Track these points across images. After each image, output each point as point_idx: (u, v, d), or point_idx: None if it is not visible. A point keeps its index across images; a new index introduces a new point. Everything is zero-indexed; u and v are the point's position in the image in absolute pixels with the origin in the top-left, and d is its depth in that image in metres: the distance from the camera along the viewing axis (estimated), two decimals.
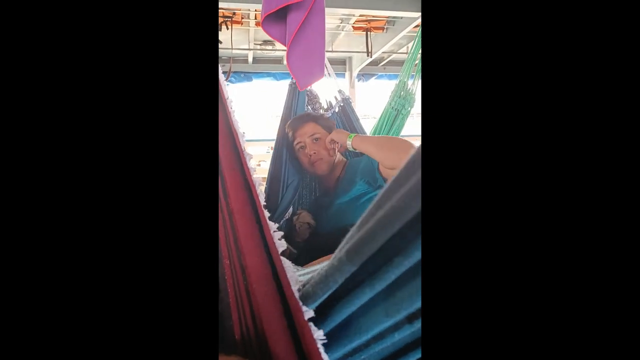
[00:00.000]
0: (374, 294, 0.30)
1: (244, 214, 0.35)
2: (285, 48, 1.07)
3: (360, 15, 2.98)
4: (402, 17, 2.87)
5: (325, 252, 0.78)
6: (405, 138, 1.05)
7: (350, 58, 4.03)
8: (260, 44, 3.53)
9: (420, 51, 1.48)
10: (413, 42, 1.52)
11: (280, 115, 1.34)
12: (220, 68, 0.37)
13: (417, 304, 0.29)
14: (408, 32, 3.01)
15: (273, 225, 0.34)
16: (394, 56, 3.97)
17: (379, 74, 4.24)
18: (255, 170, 0.38)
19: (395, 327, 0.32)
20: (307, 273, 0.41)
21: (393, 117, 1.46)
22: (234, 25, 2.95)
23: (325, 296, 0.32)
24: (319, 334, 0.29)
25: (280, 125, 1.29)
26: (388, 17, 3.06)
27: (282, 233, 0.34)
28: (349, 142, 1.03)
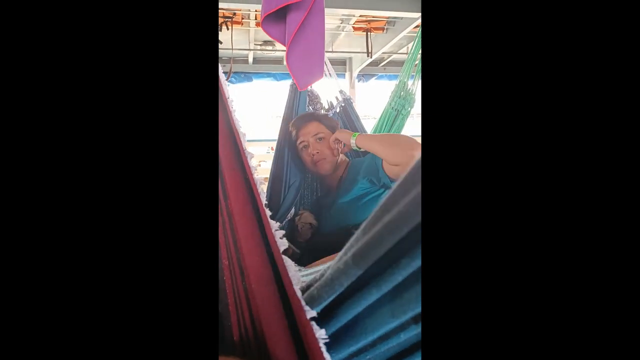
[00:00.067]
0: (381, 295, 0.30)
1: (245, 214, 0.35)
2: (285, 48, 1.07)
3: (361, 16, 2.98)
4: (402, 18, 2.87)
5: (328, 252, 0.78)
6: None
7: (350, 58, 4.04)
8: (260, 45, 3.53)
9: (420, 51, 1.48)
10: (413, 42, 1.52)
11: (282, 115, 1.34)
12: (220, 68, 0.37)
13: None
14: (408, 33, 3.01)
15: (274, 224, 0.34)
16: (394, 56, 3.97)
17: (379, 74, 4.24)
18: (256, 170, 0.38)
19: (402, 328, 0.32)
20: (311, 274, 0.41)
21: (393, 117, 1.46)
22: (234, 26, 2.95)
23: (331, 299, 0.32)
24: (321, 334, 0.29)
25: (281, 126, 1.29)
26: (388, 18, 3.06)
27: (283, 232, 0.34)
28: (353, 141, 1.03)
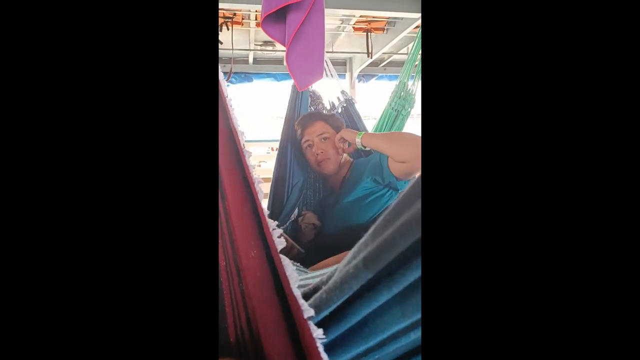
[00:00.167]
0: (391, 296, 0.30)
1: (243, 213, 0.35)
2: (285, 49, 1.07)
3: (361, 16, 2.98)
4: (402, 18, 2.87)
5: (332, 252, 0.78)
6: None
7: (350, 59, 4.04)
8: (260, 45, 3.53)
9: (420, 52, 1.48)
10: (413, 43, 1.52)
11: (283, 116, 1.34)
12: (220, 69, 0.37)
13: None
14: (408, 33, 3.01)
15: (272, 223, 0.34)
16: (394, 57, 3.98)
17: (379, 74, 4.24)
18: (254, 169, 0.37)
19: (411, 327, 0.31)
20: (317, 276, 0.41)
21: (393, 117, 1.46)
22: (235, 26, 2.95)
23: (340, 302, 0.32)
24: (318, 333, 0.29)
25: (284, 127, 1.29)
26: (388, 18, 3.06)
27: (281, 231, 0.34)
28: (358, 140, 1.03)
